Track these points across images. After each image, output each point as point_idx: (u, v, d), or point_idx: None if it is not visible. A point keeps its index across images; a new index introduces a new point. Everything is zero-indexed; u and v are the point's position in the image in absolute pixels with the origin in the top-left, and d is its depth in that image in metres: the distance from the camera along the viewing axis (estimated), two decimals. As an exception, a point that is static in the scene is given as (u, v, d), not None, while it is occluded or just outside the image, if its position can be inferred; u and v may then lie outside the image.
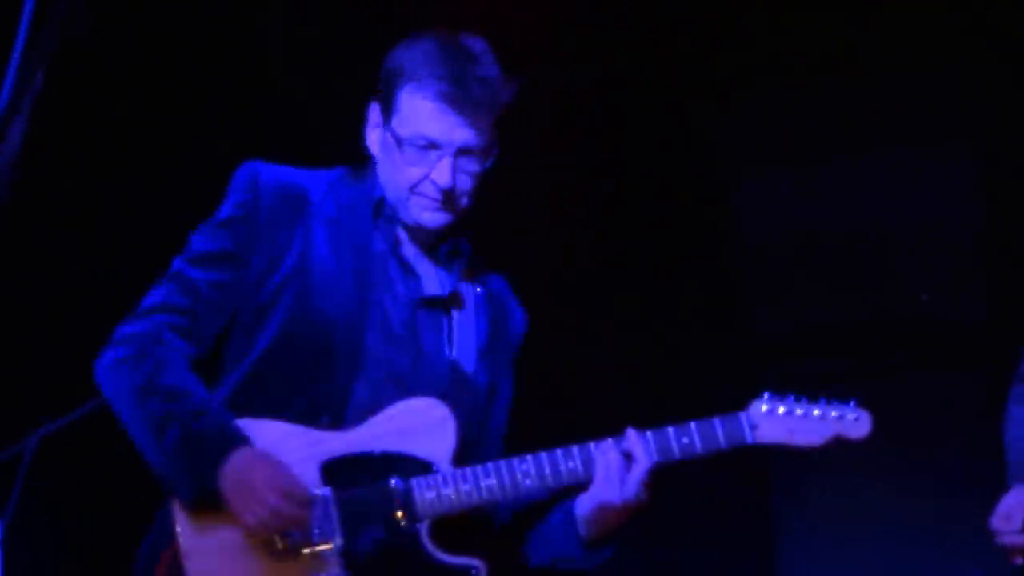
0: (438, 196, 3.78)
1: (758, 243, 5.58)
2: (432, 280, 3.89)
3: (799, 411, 3.65)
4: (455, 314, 3.88)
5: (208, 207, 3.85)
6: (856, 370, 5.48)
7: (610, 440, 3.64)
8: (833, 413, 3.64)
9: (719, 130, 5.65)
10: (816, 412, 3.64)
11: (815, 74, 5.53)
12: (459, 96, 3.73)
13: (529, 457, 3.66)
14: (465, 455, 3.70)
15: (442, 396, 3.72)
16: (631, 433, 3.63)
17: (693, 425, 3.64)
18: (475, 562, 3.66)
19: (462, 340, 3.86)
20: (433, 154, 3.76)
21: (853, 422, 3.64)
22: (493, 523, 3.85)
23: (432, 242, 3.89)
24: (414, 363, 3.78)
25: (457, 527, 3.68)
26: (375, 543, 3.63)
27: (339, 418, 3.67)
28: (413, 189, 3.79)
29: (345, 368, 3.70)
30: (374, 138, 3.87)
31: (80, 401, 4.85)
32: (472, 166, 3.79)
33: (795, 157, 5.61)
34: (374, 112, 3.87)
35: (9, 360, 5.84)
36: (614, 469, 3.60)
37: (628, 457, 3.62)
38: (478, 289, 3.95)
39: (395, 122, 3.79)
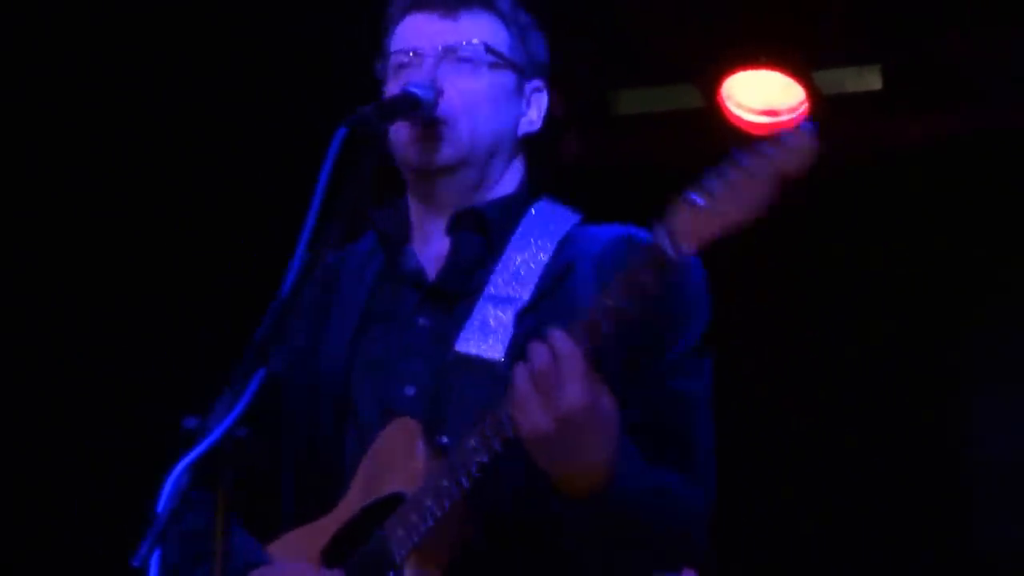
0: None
1: (988, 460, 5.81)
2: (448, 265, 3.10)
3: (719, 180, 2.58)
4: (479, 297, 3.01)
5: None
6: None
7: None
8: (761, 150, 2.56)
9: (961, 352, 5.93)
10: (741, 162, 2.56)
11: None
12: None
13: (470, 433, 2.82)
14: None
15: (434, 402, 2.98)
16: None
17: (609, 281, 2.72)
18: None
19: (482, 323, 2.97)
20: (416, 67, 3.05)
21: (790, 139, 2.53)
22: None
23: (447, 201, 3.10)
24: (398, 379, 3.05)
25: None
26: None
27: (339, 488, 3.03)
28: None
29: (333, 428, 3.08)
30: None
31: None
32: (469, 73, 3.01)
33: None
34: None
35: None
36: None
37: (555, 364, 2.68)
38: (535, 255, 3.04)
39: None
